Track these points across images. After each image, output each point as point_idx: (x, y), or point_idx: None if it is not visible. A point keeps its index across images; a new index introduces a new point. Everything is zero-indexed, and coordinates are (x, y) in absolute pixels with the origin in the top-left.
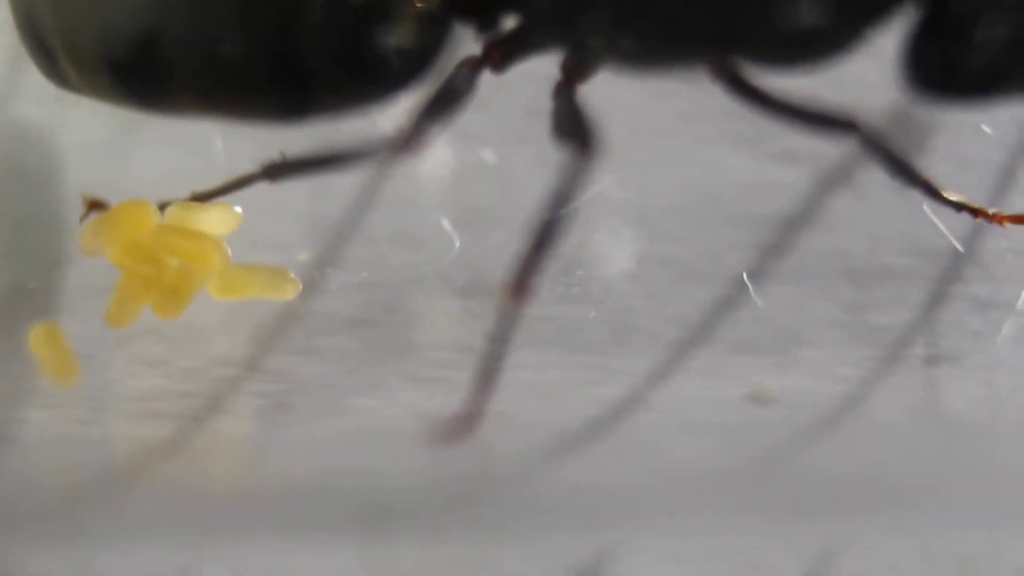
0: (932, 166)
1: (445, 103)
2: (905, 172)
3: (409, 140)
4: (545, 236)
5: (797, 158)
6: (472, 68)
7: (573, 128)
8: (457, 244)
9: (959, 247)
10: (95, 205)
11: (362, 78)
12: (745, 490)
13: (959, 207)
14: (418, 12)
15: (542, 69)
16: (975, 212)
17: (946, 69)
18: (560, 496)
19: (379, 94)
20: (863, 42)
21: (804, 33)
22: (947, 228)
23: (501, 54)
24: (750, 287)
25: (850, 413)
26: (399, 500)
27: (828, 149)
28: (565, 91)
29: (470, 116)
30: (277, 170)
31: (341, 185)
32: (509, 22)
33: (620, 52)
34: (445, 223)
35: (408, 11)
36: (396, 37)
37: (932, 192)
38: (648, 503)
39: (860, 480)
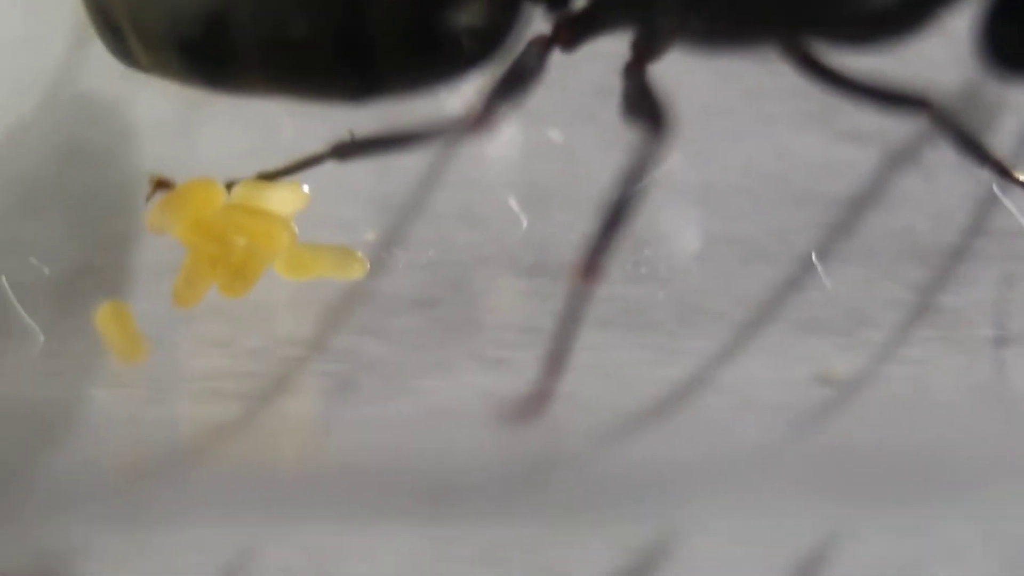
0: (1001, 146)
1: (515, 83)
2: (975, 151)
3: (479, 120)
4: (614, 216)
5: (865, 137)
6: (542, 47)
7: (643, 108)
8: (524, 224)
9: None
10: (162, 184)
11: (432, 58)
12: (811, 471)
13: None
14: None
15: (609, 48)
16: None
17: (1021, 46)
18: (626, 477)
19: (449, 74)
20: (936, 21)
21: (877, 12)
22: (1016, 208)
23: (571, 33)
24: (818, 267)
25: (917, 394)
26: (465, 480)
27: (896, 128)
28: (635, 71)
29: (537, 95)
30: (346, 150)
31: (408, 164)
32: (579, 1)
33: (691, 32)
34: (512, 203)
35: None
36: (466, 16)
37: (1001, 171)
38: (714, 484)
39: (926, 461)
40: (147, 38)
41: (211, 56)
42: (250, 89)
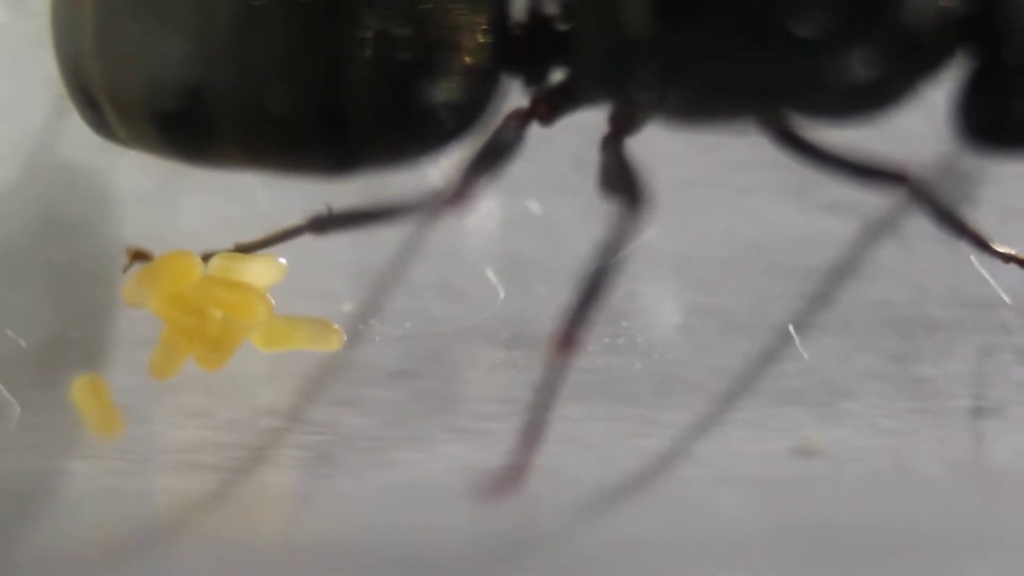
0: (979, 217)
1: (493, 156)
2: (952, 223)
3: (457, 194)
4: (592, 288)
5: (843, 209)
6: (520, 121)
7: (621, 181)
8: (502, 295)
9: (1006, 298)
10: (138, 256)
11: (410, 133)
12: (790, 544)
13: (1006, 258)
14: (466, 66)
15: (587, 120)
16: (1022, 263)
17: (998, 119)
18: (604, 551)
19: (427, 148)
20: (915, 95)
21: (856, 88)
22: (994, 279)
23: (549, 107)
24: (796, 338)
25: (895, 466)
26: (441, 554)
27: (874, 200)
28: (613, 144)
29: (515, 167)
30: (323, 223)
31: (385, 236)
32: (557, 76)
33: (669, 106)
34: (490, 274)
35: (456, 65)
36: (444, 92)
37: (979, 243)
38: (692, 557)
39: (905, 534)
40: (124, 112)
41: (189, 130)
42: (228, 162)
